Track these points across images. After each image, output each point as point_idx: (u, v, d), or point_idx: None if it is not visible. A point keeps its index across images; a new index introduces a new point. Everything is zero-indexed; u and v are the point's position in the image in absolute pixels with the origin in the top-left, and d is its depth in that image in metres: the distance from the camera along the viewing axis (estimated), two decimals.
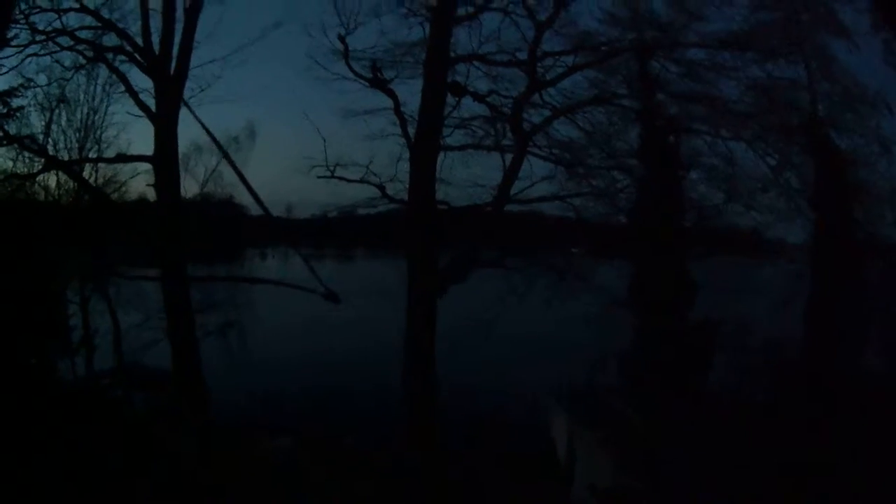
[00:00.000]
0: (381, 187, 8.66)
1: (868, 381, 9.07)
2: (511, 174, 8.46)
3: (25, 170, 10.40)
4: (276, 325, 9.32)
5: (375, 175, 8.69)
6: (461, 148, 8.80)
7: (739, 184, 9.32)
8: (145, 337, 9.77)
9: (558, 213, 8.86)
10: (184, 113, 9.77)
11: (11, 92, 9.80)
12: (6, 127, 9.70)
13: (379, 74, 8.93)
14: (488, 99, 8.87)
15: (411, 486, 7.89)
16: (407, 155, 8.61)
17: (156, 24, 9.46)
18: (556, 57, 8.89)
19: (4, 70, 9.53)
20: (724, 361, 9.03)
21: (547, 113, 8.81)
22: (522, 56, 8.85)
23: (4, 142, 10.01)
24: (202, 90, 9.92)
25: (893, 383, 9.17)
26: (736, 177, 9.35)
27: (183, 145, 9.89)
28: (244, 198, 9.47)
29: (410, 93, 8.87)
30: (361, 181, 8.67)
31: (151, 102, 9.75)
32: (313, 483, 7.99)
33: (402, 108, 8.80)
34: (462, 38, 9.12)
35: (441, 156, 8.72)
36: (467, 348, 8.68)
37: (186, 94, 9.77)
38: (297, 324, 9.54)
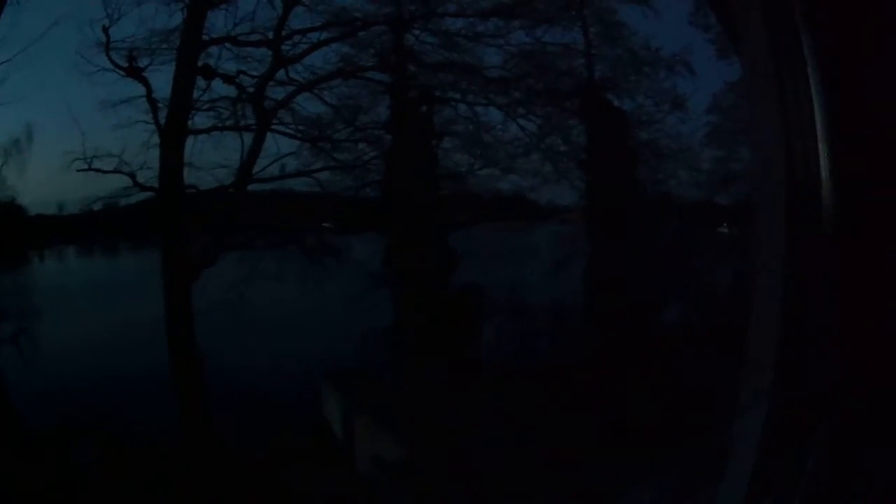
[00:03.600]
0: (132, 176, 8.84)
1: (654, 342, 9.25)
2: (253, 153, 8.63)
3: None
4: (62, 328, 9.55)
5: (127, 164, 8.84)
6: (208, 130, 8.93)
7: (496, 149, 9.48)
8: None
9: (307, 190, 9.06)
10: None
11: None
12: None
13: (133, 63, 9.09)
14: (237, 80, 8.99)
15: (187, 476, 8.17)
16: (156, 141, 8.80)
17: None
18: (304, 34, 9.04)
19: None
20: (494, 328, 9.23)
21: (292, 89, 8.94)
22: (272, 35, 9.00)
23: None
24: None
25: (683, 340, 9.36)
26: (492, 143, 9.51)
27: None
28: (24, 199, 9.79)
29: (167, 80, 9.03)
30: (115, 171, 8.84)
31: None
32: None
33: (154, 95, 8.96)
34: (219, 22, 9.23)
35: (191, 140, 8.88)
36: (227, 333, 8.88)
37: None
38: (77, 323, 9.79)
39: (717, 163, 11.12)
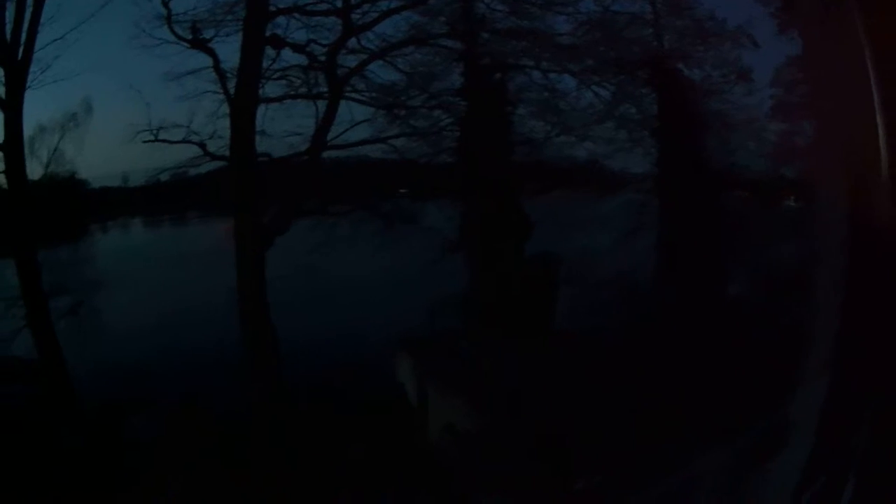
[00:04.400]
0: (202, 145, 8.71)
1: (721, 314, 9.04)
2: (327, 120, 8.53)
3: None
4: (123, 299, 9.36)
5: (196, 134, 8.72)
6: (280, 99, 8.82)
7: (571, 117, 9.33)
8: (8, 327, 9.80)
9: (383, 156, 8.90)
10: (30, 96, 9.91)
11: None
12: None
13: (198, 35, 9.02)
14: (307, 49, 8.90)
15: (262, 446, 7.92)
16: (225, 111, 8.67)
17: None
18: (373, 2, 8.96)
19: None
20: (567, 297, 9.00)
21: (364, 57, 8.84)
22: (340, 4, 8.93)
23: None
24: (42, 71, 9.99)
25: (749, 315, 9.14)
26: (567, 110, 9.37)
27: (28, 128, 9.94)
28: (86, 173, 9.65)
29: (231, 51, 8.94)
30: (183, 141, 8.72)
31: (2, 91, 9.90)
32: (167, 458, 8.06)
33: (222, 66, 8.86)
34: None
35: (262, 108, 8.78)
36: (301, 299, 8.69)
37: (30, 77, 9.93)
38: (140, 294, 9.59)
39: (782, 136, 10.98)
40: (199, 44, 9.09)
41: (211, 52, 9.04)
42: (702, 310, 9.01)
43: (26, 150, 9.97)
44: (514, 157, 9.18)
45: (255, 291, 8.33)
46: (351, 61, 8.89)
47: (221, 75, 8.89)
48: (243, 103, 8.68)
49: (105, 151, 9.29)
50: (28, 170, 9.81)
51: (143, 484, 7.62)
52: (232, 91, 8.80)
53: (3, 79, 9.87)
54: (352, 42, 8.93)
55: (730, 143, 10.56)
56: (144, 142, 8.78)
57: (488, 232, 8.79)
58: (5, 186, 10.09)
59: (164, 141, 8.74)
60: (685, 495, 5.85)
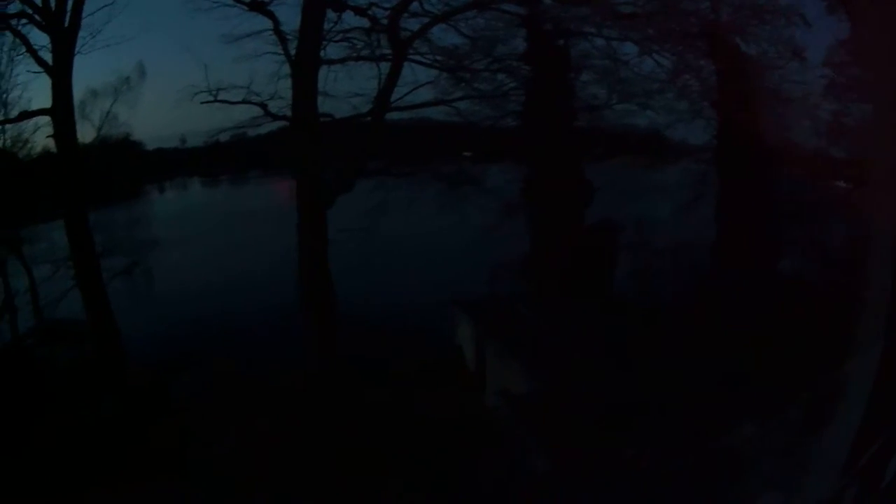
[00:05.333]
0: (263, 106, 8.63)
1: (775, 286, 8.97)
2: (390, 82, 8.46)
3: None
4: (180, 258, 9.28)
5: (257, 95, 8.65)
6: (342, 61, 8.73)
7: (633, 85, 9.23)
8: (62, 289, 9.77)
9: (445, 119, 8.81)
10: (80, 61, 9.89)
11: None
12: None
13: None
14: (369, 12, 8.82)
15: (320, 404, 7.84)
16: (286, 72, 8.59)
17: None
18: None
19: None
20: (627, 263, 8.93)
21: (427, 21, 8.75)
22: None
23: None
24: (93, 36, 9.97)
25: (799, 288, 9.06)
26: (629, 78, 9.26)
27: (80, 92, 9.91)
28: (140, 134, 9.59)
29: (293, 13, 8.87)
30: (244, 102, 8.64)
31: (49, 58, 9.90)
32: (217, 417, 7.97)
33: (281, 28, 8.78)
34: None
35: (324, 70, 8.71)
36: (361, 259, 8.60)
37: (79, 43, 9.91)
38: (199, 253, 9.50)
39: (832, 115, 10.89)
40: (257, 6, 9.02)
41: (270, 15, 8.97)
42: (756, 281, 8.92)
43: (78, 114, 10.01)
44: (577, 122, 9.09)
45: (316, 251, 8.25)
46: (413, 24, 8.80)
47: (282, 37, 8.83)
48: (305, 64, 8.61)
49: (161, 113, 9.23)
50: (80, 133, 9.83)
51: (188, 443, 7.57)
52: (293, 53, 8.73)
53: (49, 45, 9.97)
54: (414, 6, 8.83)
55: (784, 120, 10.48)
56: (203, 103, 8.72)
57: (550, 197, 8.69)
58: (55, 149, 10.10)
59: (223, 101, 8.65)
60: (737, 462, 5.80)
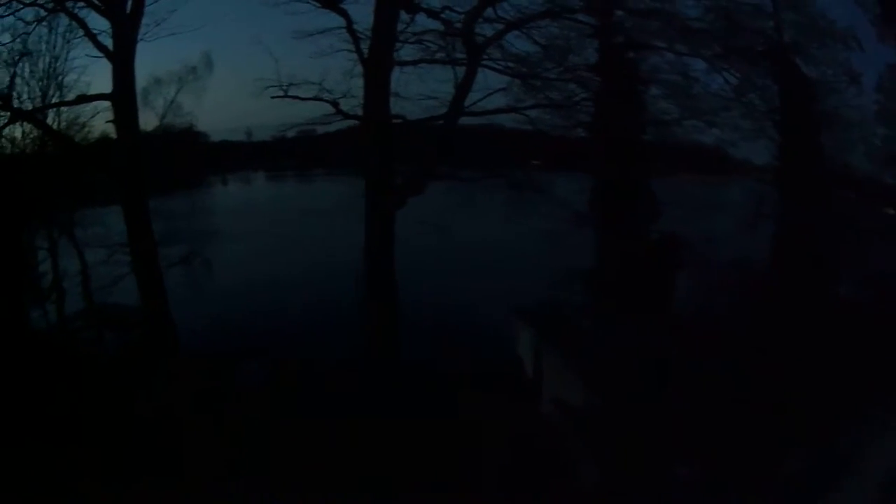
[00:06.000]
0: (334, 104, 8.62)
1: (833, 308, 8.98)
2: (464, 87, 8.48)
3: None
4: (240, 250, 9.27)
5: (329, 92, 8.64)
6: (415, 62, 8.75)
7: (700, 101, 9.26)
8: (114, 274, 9.78)
9: (516, 126, 8.83)
10: (143, 48, 9.87)
11: None
12: None
13: None
14: (442, 15, 8.82)
15: (378, 402, 7.84)
16: (359, 71, 8.59)
17: None
18: None
19: None
20: (688, 279, 8.94)
21: (501, 27, 8.76)
22: None
23: None
24: (157, 24, 9.95)
25: (858, 311, 9.07)
26: (697, 94, 9.30)
27: (142, 79, 9.89)
28: (204, 125, 9.58)
29: (363, 12, 8.87)
30: (315, 99, 8.62)
31: (110, 43, 9.88)
32: (280, 404, 7.97)
33: (354, 26, 8.76)
34: None
35: (396, 71, 8.73)
36: (427, 262, 8.62)
37: (142, 30, 9.89)
38: (261, 247, 9.50)
39: (886, 141, 10.95)
40: (330, 4, 9.00)
41: (343, 13, 8.96)
42: (813, 303, 8.95)
43: (140, 101, 10.00)
44: (644, 135, 9.10)
45: (383, 252, 8.26)
46: (487, 30, 8.80)
47: (354, 36, 8.82)
48: (378, 64, 8.61)
49: (226, 105, 9.21)
50: (142, 120, 9.83)
51: (247, 429, 7.57)
52: (365, 52, 8.72)
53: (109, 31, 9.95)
54: (487, 11, 8.83)
55: (841, 143, 10.53)
56: (273, 97, 8.69)
57: (615, 209, 8.71)
58: (115, 135, 10.10)
59: (294, 97, 8.63)
60: (792, 491, 5.82)
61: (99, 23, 9.82)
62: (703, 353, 8.11)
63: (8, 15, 9.96)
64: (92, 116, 10.38)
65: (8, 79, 10.74)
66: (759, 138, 9.41)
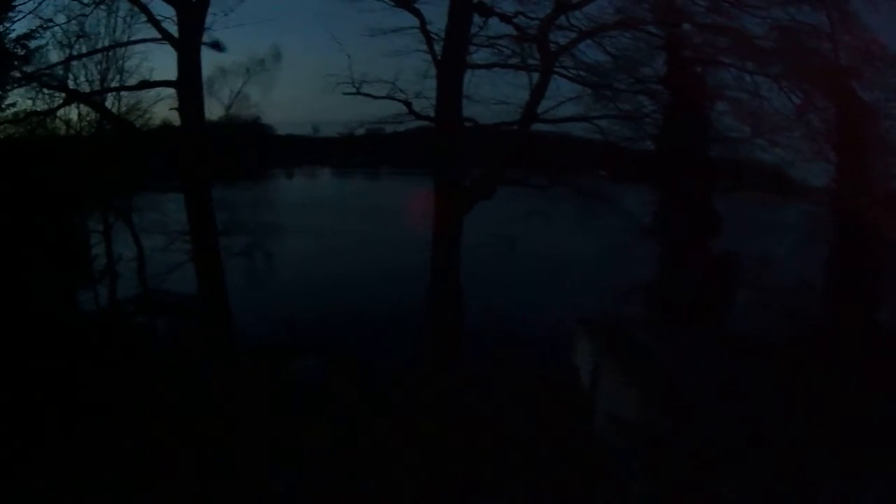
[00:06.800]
0: (407, 104, 8.69)
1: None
2: (537, 93, 8.53)
3: (45, 107, 10.47)
4: (303, 245, 9.30)
5: (402, 91, 8.72)
6: (488, 66, 8.81)
7: (765, 119, 9.31)
8: (170, 261, 9.83)
9: (584, 135, 8.90)
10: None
11: (29, 34, 10.00)
12: (25, 68, 9.88)
13: None
14: (515, 20, 8.87)
15: (434, 405, 7.91)
16: (433, 72, 8.65)
17: None
18: None
19: (21, 15, 9.50)
20: (745, 298, 9.02)
21: (573, 35, 8.82)
22: None
23: (23, 82, 10.18)
24: (225, 14, 9.97)
25: None
26: (762, 112, 9.34)
27: (207, 69, 9.93)
28: (270, 118, 9.62)
29: (436, 13, 8.92)
30: (388, 97, 8.70)
31: (174, 30, 9.89)
32: (339, 402, 8.04)
33: (427, 27, 8.82)
34: None
35: (468, 74, 8.79)
36: (492, 266, 8.69)
37: (209, 19, 9.90)
38: (324, 243, 9.54)
39: None
40: (404, 3, 9.05)
41: (416, 13, 9.01)
42: (867, 329, 9.01)
43: (205, 90, 10.02)
44: (709, 151, 9.17)
45: (450, 255, 8.35)
46: (559, 37, 8.86)
47: (428, 36, 8.86)
48: (451, 66, 8.67)
49: (293, 99, 9.25)
50: (207, 110, 9.85)
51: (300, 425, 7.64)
52: (439, 53, 8.77)
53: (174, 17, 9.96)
54: (560, 19, 8.88)
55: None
56: (345, 94, 8.75)
57: (679, 223, 8.80)
58: (178, 122, 10.13)
59: (367, 95, 8.68)
60: None
61: (163, 9, 9.90)
62: (762, 372, 8.18)
63: None
64: (154, 102, 10.44)
65: (63, 60, 10.77)
66: (817, 160, 9.49)
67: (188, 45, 9.83)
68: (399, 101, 8.71)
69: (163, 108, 10.21)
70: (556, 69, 8.68)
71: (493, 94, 8.69)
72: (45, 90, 10.41)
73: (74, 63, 10.88)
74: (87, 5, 10.29)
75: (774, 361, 8.33)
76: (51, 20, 9.64)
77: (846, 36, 10.49)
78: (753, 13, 9.61)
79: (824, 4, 10.10)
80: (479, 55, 8.84)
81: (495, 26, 8.94)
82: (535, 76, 8.61)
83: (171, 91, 9.96)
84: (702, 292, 8.61)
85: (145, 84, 10.50)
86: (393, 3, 9.05)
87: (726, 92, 9.21)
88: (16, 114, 10.41)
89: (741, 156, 9.24)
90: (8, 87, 10.20)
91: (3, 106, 10.24)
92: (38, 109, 10.35)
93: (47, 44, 10.02)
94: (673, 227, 8.89)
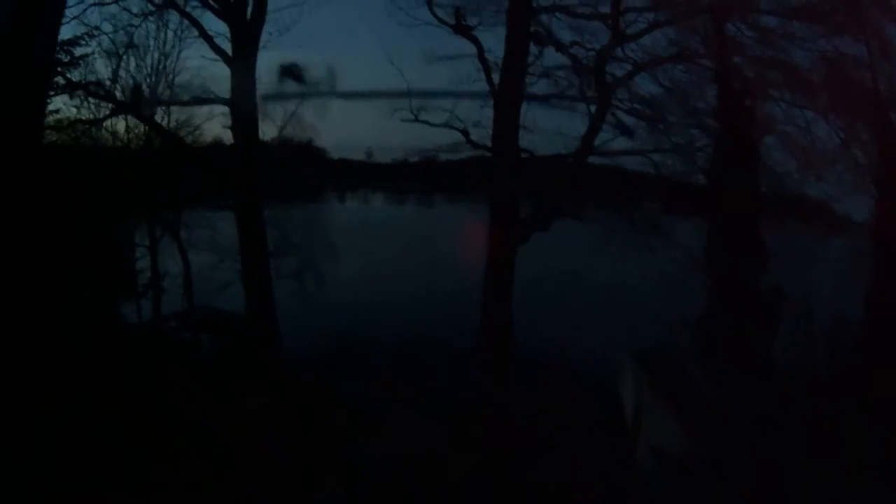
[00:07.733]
0: (465, 132, 8.82)
1: None
2: (595, 126, 8.65)
3: (91, 116, 10.52)
4: (354, 268, 9.41)
5: (460, 120, 8.83)
6: (545, 97, 8.93)
7: (813, 154, 9.43)
8: (218, 278, 9.92)
9: (637, 168, 9.05)
10: (266, 56, 9.97)
11: (75, 41, 10.04)
12: (70, 75, 9.94)
13: (462, 21, 9.08)
14: (571, 50, 9.00)
15: (480, 430, 8.02)
16: (491, 102, 8.76)
17: None
18: (638, 12, 9.06)
19: (68, 19, 9.49)
20: (787, 332, 9.10)
21: (628, 67, 8.96)
22: (603, 9, 9.03)
23: (68, 89, 10.23)
24: (280, 34, 10.04)
25: None
26: (811, 146, 9.46)
27: (262, 87, 10.01)
28: (324, 141, 9.71)
29: (494, 40, 9.03)
30: (446, 126, 8.82)
31: (227, 47, 9.96)
32: (386, 423, 8.14)
33: (485, 55, 8.94)
34: None
35: (525, 104, 8.89)
36: (544, 296, 8.82)
37: (264, 38, 9.97)
38: (376, 267, 9.66)
39: None
40: (462, 30, 9.17)
41: (475, 40, 9.13)
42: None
43: (259, 110, 10.09)
44: (758, 184, 9.29)
45: (503, 284, 8.48)
46: (615, 69, 8.99)
47: (486, 65, 8.98)
48: (509, 96, 8.78)
49: (347, 122, 9.34)
50: (260, 130, 9.92)
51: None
52: (496, 82, 8.89)
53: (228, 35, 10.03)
54: (616, 51, 9.01)
55: None
56: (403, 120, 8.87)
57: (727, 257, 8.92)
58: (231, 140, 10.22)
59: (424, 122, 8.80)
60: None
61: (216, 25, 9.96)
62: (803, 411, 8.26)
63: (111, 2, 10.05)
64: (207, 120, 10.51)
65: (110, 71, 10.79)
66: (859, 194, 9.59)
67: (242, 63, 9.93)
68: (457, 129, 8.84)
69: (216, 125, 10.31)
70: (613, 101, 8.82)
71: (549, 126, 8.85)
72: (91, 99, 10.48)
73: (122, 74, 10.91)
74: (136, 16, 10.34)
75: (818, 396, 8.43)
76: (97, 28, 9.72)
77: (885, 65, 10.63)
78: (799, 45, 9.77)
79: (864, 34, 10.25)
80: (537, 85, 8.98)
81: (551, 56, 9.11)
82: (591, 108, 8.76)
83: (225, 109, 10.09)
84: (748, 326, 8.72)
85: (198, 100, 10.59)
86: (452, 31, 9.18)
87: (776, 125, 9.36)
88: (59, 121, 10.52)
89: (788, 189, 9.37)
90: (51, 93, 10.25)
91: (46, 112, 10.26)
92: (83, 118, 10.46)
93: (93, 52, 10.04)
94: (722, 260, 9.01)
